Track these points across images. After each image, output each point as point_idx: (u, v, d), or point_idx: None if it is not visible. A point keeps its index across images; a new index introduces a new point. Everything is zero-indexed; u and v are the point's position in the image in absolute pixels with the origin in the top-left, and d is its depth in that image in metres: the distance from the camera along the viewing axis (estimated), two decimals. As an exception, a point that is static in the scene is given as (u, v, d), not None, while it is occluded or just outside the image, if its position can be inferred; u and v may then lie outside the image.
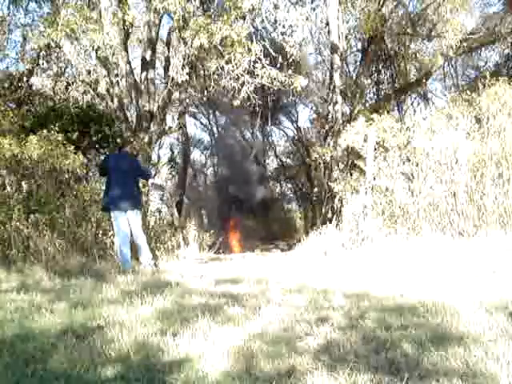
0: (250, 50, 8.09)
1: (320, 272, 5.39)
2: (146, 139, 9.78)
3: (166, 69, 9.84)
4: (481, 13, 15.70)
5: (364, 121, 8.30)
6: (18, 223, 6.16)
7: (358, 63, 16.33)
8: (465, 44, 12.95)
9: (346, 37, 14.57)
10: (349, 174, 9.49)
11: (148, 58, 10.16)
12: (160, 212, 10.11)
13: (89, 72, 8.37)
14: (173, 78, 8.77)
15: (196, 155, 23.95)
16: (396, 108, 16.04)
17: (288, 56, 8.53)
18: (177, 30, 9.24)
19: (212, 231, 10.67)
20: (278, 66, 8.80)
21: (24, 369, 2.37)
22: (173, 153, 21.27)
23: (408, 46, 15.14)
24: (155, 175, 8.49)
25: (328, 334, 2.81)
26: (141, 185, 6.76)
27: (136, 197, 6.20)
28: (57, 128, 7.38)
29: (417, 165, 7.38)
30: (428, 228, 6.83)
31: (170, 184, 19.46)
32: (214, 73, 8.69)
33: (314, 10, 11.92)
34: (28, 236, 6.17)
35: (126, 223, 6.02)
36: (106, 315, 3.27)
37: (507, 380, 2.08)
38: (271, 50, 8.67)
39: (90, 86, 9.78)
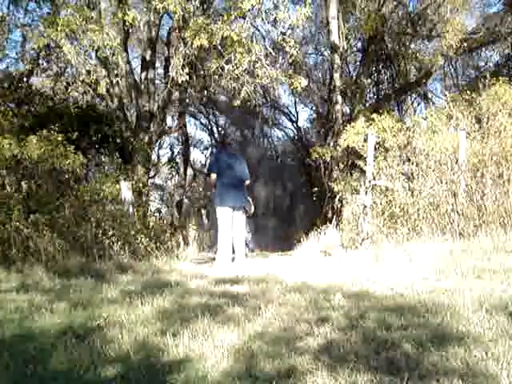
0: (250, 50, 8.08)
1: (320, 272, 5.38)
2: (146, 139, 9.78)
3: (166, 69, 9.84)
4: (481, 13, 15.73)
5: (364, 121, 8.30)
6: (17, 223, 6.14)
7: (358, 63, 16.34)
8: (465, 44, 12.93)
9: (346, 37, 14.58)
10: (349, 174, 9.49)
11: (148, 57, 10.17)
12: (160, 212, 10.11)
13: (89, 72, 8.34)
14: (173, 78, 8.75)
15: (196, 155, 23.96)
16: (396, 108, 16.03)
17: (288, 56, 8.52)
18: (177, 30, 9.24)
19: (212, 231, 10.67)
20: (278, 65, 8.79)
21: (24, 369, 2.37)
22: (173, 153, 21.25)
23: (408, 45, 15.14)
24: (155, 175, 8.49)
25: (328, 334, 2.81)
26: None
27: (244, 195, 6.38)
28: (57, 128, 7.38)
29: (417, 165, 7.37)
30: (428, 228, 6.81)
31: (170, 184, 19.46)
32: (214, 73, 8.67)
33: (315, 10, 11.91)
34: (28, 236, 6.15)
35: (231, 221, 6.22)
36: (106, 315, 3.27)
37: (508, 380, 2.07)
38: (271, 50, 8.66)
39: (90, 86, 9.76)
